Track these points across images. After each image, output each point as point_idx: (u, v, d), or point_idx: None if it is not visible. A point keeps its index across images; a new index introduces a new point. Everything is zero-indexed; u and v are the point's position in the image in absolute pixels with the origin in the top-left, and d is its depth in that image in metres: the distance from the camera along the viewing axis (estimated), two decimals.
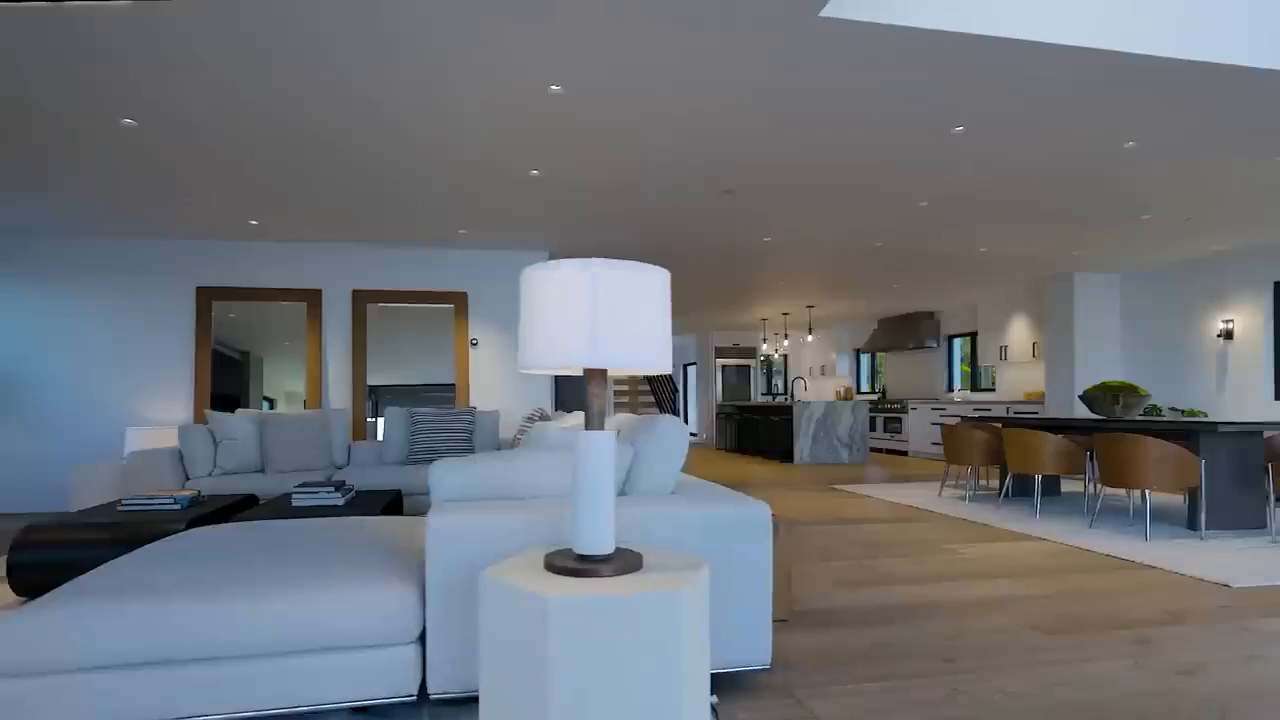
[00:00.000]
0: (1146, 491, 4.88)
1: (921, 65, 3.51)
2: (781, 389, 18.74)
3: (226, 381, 7.11)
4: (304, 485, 4.01)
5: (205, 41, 3.23)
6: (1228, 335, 7.96)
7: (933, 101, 3.95)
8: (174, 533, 3.32)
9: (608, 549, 1.80)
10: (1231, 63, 3.54)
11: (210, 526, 2.93)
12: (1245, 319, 7.83)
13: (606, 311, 1.71)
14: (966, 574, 3.95)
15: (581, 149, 4.65)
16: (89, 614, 1.89)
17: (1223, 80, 3.70)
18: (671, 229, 6.88)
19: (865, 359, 16.34)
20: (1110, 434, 5.02)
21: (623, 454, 2.54)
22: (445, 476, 2.34)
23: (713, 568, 2.33)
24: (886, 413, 13.37)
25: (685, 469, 10.18)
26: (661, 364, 1.84)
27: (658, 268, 1.86)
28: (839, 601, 3.42)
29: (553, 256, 7.85)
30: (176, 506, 3.81)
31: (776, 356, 18.79)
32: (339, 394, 7.10)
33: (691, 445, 15.62)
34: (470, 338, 7.45)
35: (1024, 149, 4.70)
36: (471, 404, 7.42)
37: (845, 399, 15.48)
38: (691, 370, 20.41)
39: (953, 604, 3.37)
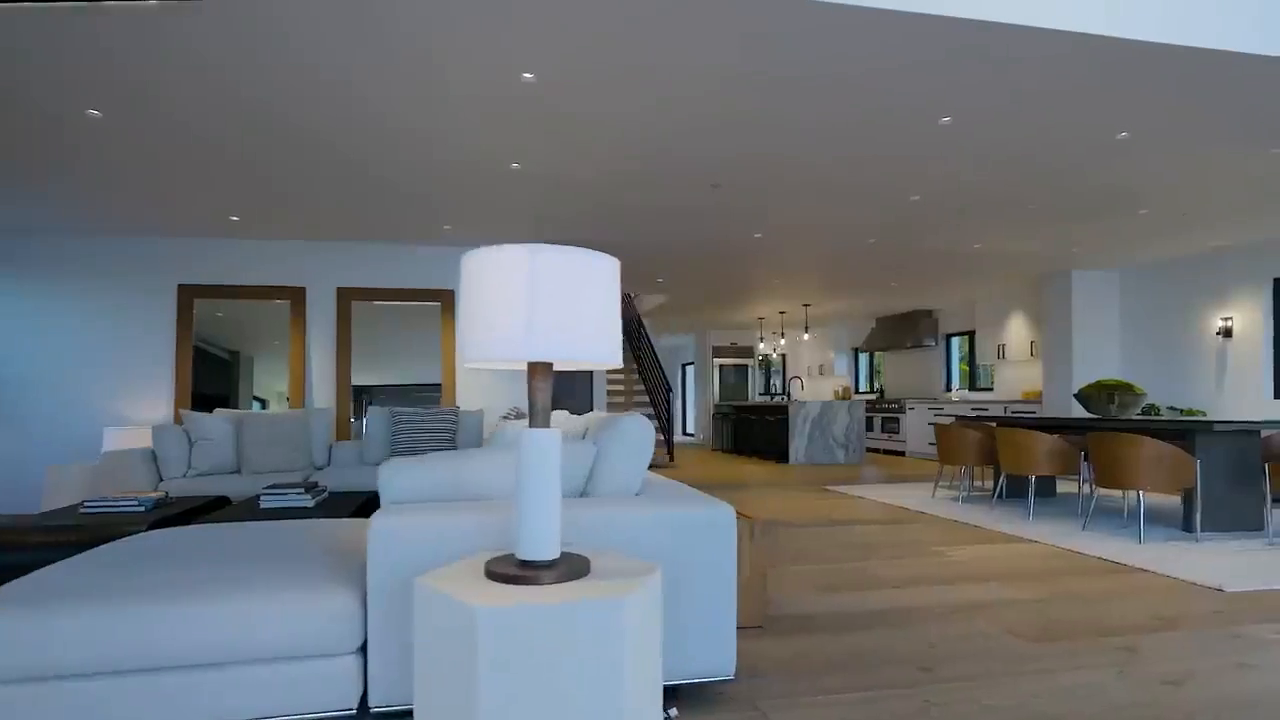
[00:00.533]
0: (1140, 493, 4.76)
1: (903, 50, 3.40)
2: (781, 389, 18.62)
3: (216, 381, 7.02)
4: (273, 487, 3.91)
5: (185, 32, 3.13)
6: (1227, 333, 7.83)
7: (918, 89, 3.84)
8: (130, 535, 3.22)
9: (552, 554, 1.70)
10: (1223, 48, 3.43)
11: (164, 530, 2.83)
12: (1245, 316, 7.71)
13: (546, 299, 1.60)
14: (953, 578, 3.84)
15: (559, 141, 4.54)
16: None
17: (1214, 67, 3.59)
18: (662, 226, 6.77)
19: (864, 358, 16.22)
20: (1103, 433, 4.91)
21: (585, 453, 2.43)
22: (394, 477, 2.24)
23: (674, 573, 2.22)
24: (884, 412, 13.25)
25: (680, 471, 10.08)
26: (609, 357, 1.73)
27: (607, 255, 1.75)
28: (818, 606, 3.31)
29: None
30: (140, 508, 3.71)
31: (775, 356, 18.67)
32: (323, 393, 7.00)
33: (689, 446, 15.50)
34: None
35: (1014, 140, 4.58)
36: (457, 403, 7.31)
37: (843, 399, 15.35)
38: (690, 370, 20.32)
39: (936, 609, 3.26)
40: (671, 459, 10.91)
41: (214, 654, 1.89)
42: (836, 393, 16.28)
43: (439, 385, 7.38)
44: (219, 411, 5.58)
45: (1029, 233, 7.11)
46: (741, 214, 6.35)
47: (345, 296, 7.07)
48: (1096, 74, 3.65)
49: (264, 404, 7.26)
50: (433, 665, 1.60)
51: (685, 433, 20.39)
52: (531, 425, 1.74)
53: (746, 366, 18.85)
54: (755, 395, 18.70)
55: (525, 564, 1.69)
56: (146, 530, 3.39)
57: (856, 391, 16.30)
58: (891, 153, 4.79)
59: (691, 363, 19.85)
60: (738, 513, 3.28)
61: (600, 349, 1.69)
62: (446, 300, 7.32)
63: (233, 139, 4.42)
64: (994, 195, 5.81)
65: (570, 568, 1.69)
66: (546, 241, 7.32)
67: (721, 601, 2.24)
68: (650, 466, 10.32)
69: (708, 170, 5.12)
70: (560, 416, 3.47)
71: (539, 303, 1.60)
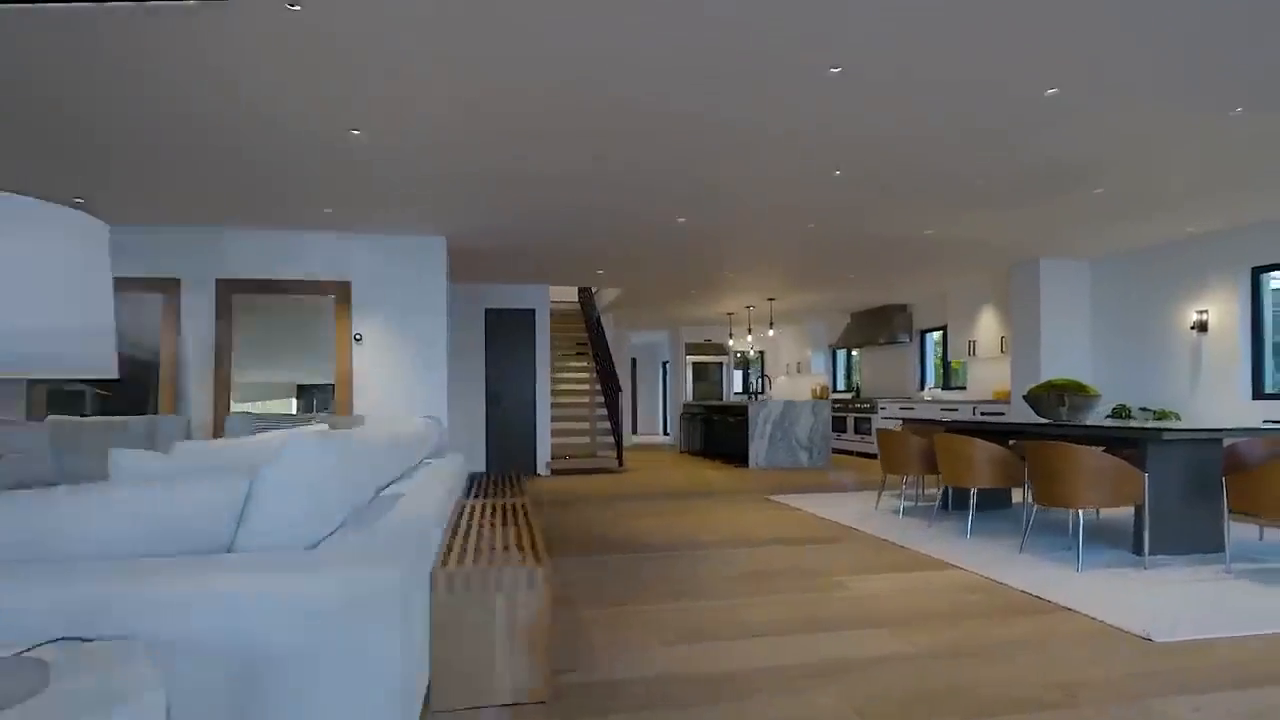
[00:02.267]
0: (1080, 512, 4.10)
1: None
2: (760, 387, 17.95)
3: (139, 387, 6.44)
4: None
5: None
6: (1202, 327, 7.13)
7: (795, 28, 3.17)
8: None
9: None
10: None
11: None
12: (1220, 308, 7.01)
13: None
14: (838, 622, 3.18)
15: (390, 100, 3.90)
16: None
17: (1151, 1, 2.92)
18: (568, 212, 6.11)
19: (841, 355, 15.53)
20: (1040, 442, 4.25)
21: (228, 491, 1.78)
22: None
23: (312, 663, 1.57)
24: (858, 412, 12.57)
25: (627, 477, 9.42)
26: (67, 362, 1.08)
27: (81, 212, 1.11)
28: (642, 668, 2.66)
29: (450, 242, 7.10)
30: None
31: (752, 354, 17.98)
32: (201, 399, 6.36)
33: (662, 448, 14.84)
34: (354, 333, 6.70)
35: (921, 100, 3.91)
36: (353, 408, 6.67)
37: (821, 398, 14.66)
38: (668, 368, 19.65)
39: (789, 672, 2.60)
40: (620, 464, 10.25)
41: None
42: (814, 391, 15.59)
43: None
44: (54, 419, 4.98)
45: (978, 216, 6.43)
46: (650, 193, 5.68)
47: (227, 290, 6.42)
48: (1010, 11, 2.98)
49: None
50: None
51: (665, 433, 19.75)
52: None
53: (722, 364, 18.20)
54: (730, 394, 18.03)
55: None
56: None
57: (834, 390, 15.61)
58: (787, 113, 4.11)
59: (668, 360, 19.20)
60: (526, 555, 2.61)
61: (34, 348, 1.05)
62: (342, 293, 6.68)
63: (59, 96, 3.79)
64: (925, 170, 5.13)
65: None
66: (445, 228, 6.65)
67: (370, 705, 1.58)
68: (597, 472, 9.67)
69: (581, 136, 4.47)
70: (327, 426, 2.82)
71: None
